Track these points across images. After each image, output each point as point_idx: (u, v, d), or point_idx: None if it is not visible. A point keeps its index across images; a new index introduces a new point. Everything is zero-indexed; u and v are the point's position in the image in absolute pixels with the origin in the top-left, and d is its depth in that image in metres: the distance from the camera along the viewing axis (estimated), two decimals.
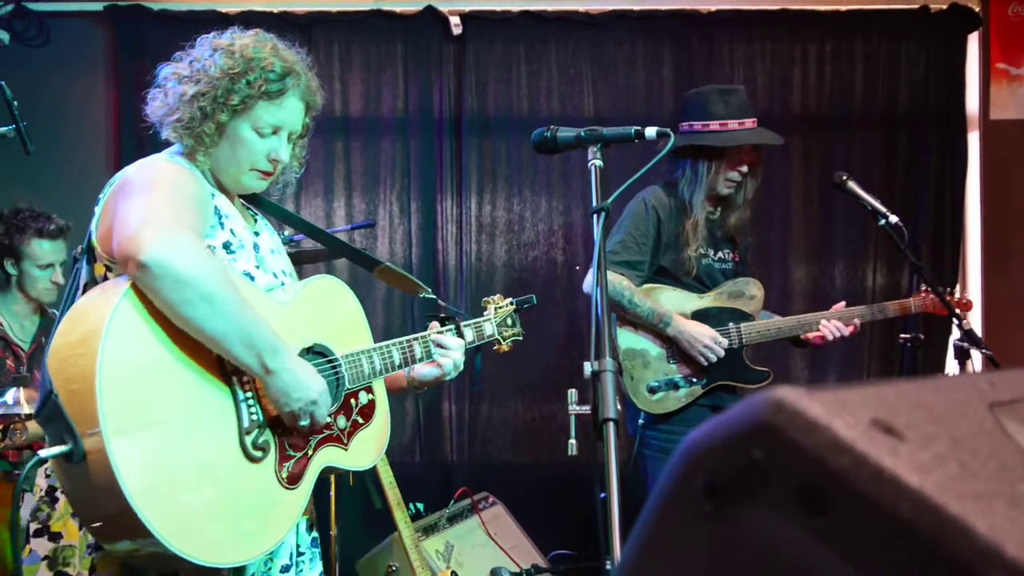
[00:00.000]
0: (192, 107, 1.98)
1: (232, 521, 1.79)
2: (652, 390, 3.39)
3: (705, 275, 3.51)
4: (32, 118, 3.13)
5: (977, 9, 4.81)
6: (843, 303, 3.67)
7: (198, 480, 1.75)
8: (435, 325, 2.38)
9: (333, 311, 2.17)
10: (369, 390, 2.17)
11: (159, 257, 1.68)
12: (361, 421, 2.12)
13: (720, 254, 3.58)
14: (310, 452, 1.97)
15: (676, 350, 3.42)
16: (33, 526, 2.90)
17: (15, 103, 3.01)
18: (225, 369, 1.84)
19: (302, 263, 3.66)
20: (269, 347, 1.80)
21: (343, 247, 2.63)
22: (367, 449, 2.13)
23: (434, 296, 2.52)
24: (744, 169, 3.46)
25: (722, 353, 3.37)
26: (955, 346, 3.36)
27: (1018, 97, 4.85)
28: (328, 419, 2.00)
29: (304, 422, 1.90)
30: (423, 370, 2.32)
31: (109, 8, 4.67)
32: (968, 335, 3.31)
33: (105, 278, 1.92)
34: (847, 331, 3.54)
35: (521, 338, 2.65)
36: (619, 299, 3.36)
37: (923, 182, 4.79)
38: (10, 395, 2.99)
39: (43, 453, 1.68)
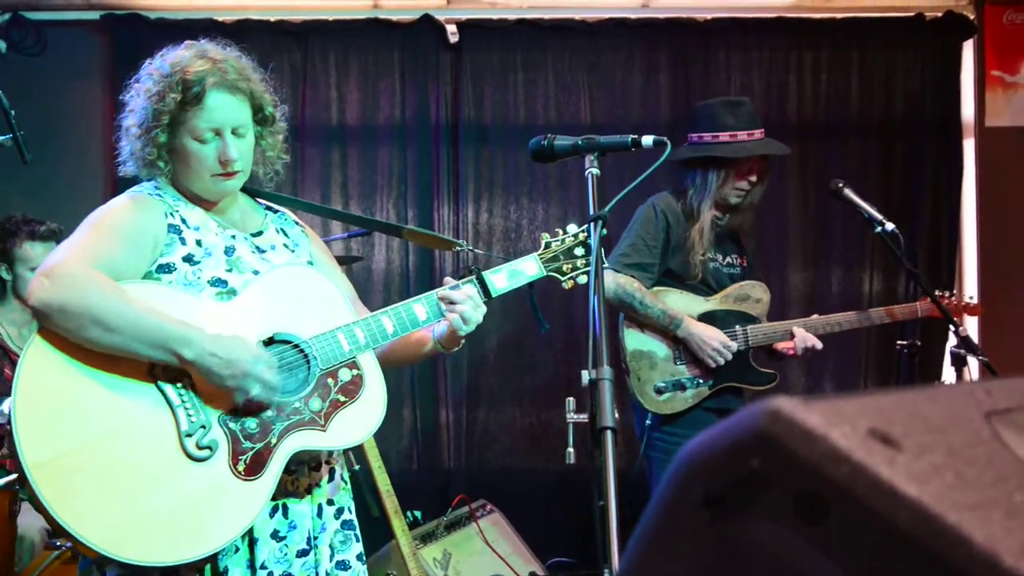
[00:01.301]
0: (133, 139, 2.09)
1: (181, 520, 1.88)
2: (659, 391, 3.44)
3: (713, 279, 3.57)
4: (29, 127, 3.12)
5: (972, 17, 4.82)
6: (816, 315, 3.69)
7: (133, 489, 1.86)
8: (449, 280, 2.27)
9: (299, 297, 2.13)
10: (353, 366, 2.12)
11: (41, 298, 1.86)
12: (343, 399, 2.08)
13: (728, 259, 3.63)
14: (273, 441, 1.98)
15: (683, 351, 3.46)
16: None
17: (12, 112, 3.01)
18: (157, 380, 1.93)
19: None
20: (179, 340, 1.89)
21: (367, 221, 2.64)
22: (352, 426, 2.09)
23: (471, 248, 2.48)
24: (753, 178, 3.52)
25: (731, 357, 3.42)
26: (952, 353, 3.36)
27: (1013, 104, 4.86)
28: (299, 403, 2.02)
29: (255, 391, 1.93)
30: (440, 329, 2.26)
31: (105, 17, 4.68)
32: (965, 342, 3.31)
33: None
34: (812, 342, 3.55)
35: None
36: (630, 300, 3.42)
37: (919, 189, 4.80)
38: (6, 404, 2.98)
39: None
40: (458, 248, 2.46)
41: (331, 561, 2.15)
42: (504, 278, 2.30)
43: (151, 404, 1.92)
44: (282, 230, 2.28)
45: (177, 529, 1.87)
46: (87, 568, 2.23)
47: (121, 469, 1.85)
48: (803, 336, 3.51)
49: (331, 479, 2.19)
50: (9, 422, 1.83)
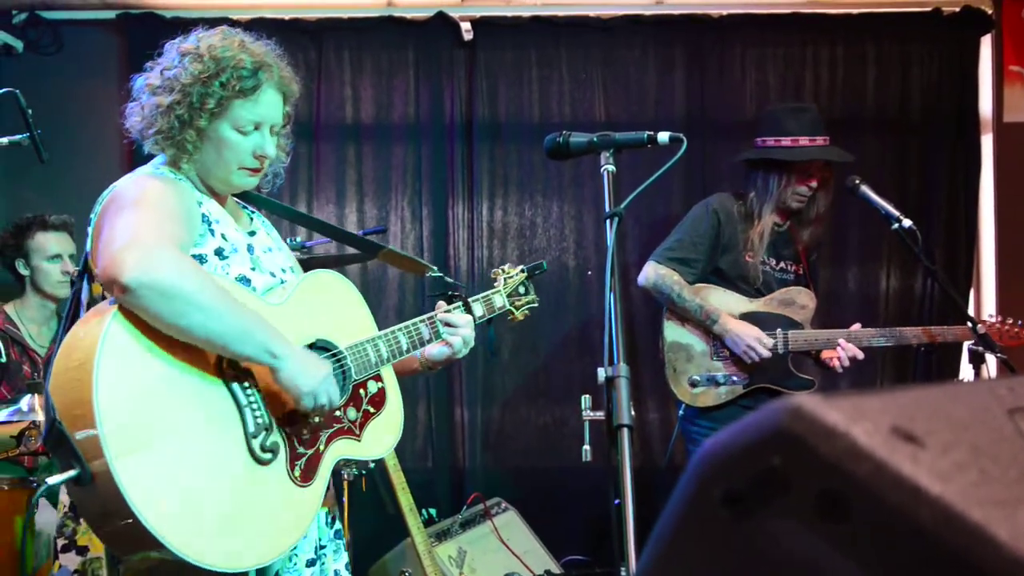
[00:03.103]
0: (169, 117, 2.00)
1: (247, 525, 1.82)
2: (693, 383, 3.50)
3: (763, 283, 3.61)
4: (45, 126, 3.14)
5: (990, 11, 4.79)
6: (858, 324, 3.69)
7: (208, 489, 1.78)
8: (442, 304, 2.36)
9: (333, 304, 2.16)
10: (378, 378, 2.17)
11: (140, 277, 1.70)
12: (372, 411, 2.13)
13: (782, 264, 3.70)
14: (321, 447, 1.99)
15: (722, 348, 3.52)
16: (60, 542, 2.92)
17: (29, 111, 3.03)
18: (225, 377, 1.86)
19: (313, 267, 3.67)
20: (271, 336, 1.84)
21: (344, 235, 2.64)
22: (380, 438, 2.14)
23: (441, 274, 2.51)
24: (814, 184, 3.59)
25: (766, 353, 3.46)
26: (970, 350, 3.34)
27: None
28: (339, 411, 2.04)
29: (322, 400, 1.92)
30: (433, 350, 2.30)
31: (122, 16, 4.69)
32: (983, 339, 3.29)
33: (103, 297, 1.93)
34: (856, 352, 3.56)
35: (536, 305, 2.60)
36: (668, 292, 3.51)
37: (936, 185, 4.77)
38: (25, 402, 3.01)
39: (51, 480, 1.73)
40: (430, 274, 2.51)
41: (331, 570, 2.15)
42: (480, 307, 2.43)
43: (221, 401, 1.85)
44: (266, 232, 2.28)
45: (248, 534, 1.82)
46: None
47: (197, 467, 1.77)
48: (848, 348, 3.53)
49: (327, 487, 2.19)
50: (53, 418, 1.72)
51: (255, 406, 1.88)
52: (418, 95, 4.75)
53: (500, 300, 2.50)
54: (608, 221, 2.02)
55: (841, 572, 0.61)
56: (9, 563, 2.96)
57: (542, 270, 2.61)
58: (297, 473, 1.92)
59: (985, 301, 4.77)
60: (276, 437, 1.90)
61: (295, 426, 1.95)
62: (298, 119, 2.35)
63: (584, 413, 2.02)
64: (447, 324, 2.29)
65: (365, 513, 3.96)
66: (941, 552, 0.57)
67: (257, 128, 2.06)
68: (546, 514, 4.41)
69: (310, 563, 2.08)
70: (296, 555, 2.04)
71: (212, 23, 4.79)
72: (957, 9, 4.77)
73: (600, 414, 1.89)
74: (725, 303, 3.56)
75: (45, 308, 3.81)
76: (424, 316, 2.29)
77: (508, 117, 4.76)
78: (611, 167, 2.09)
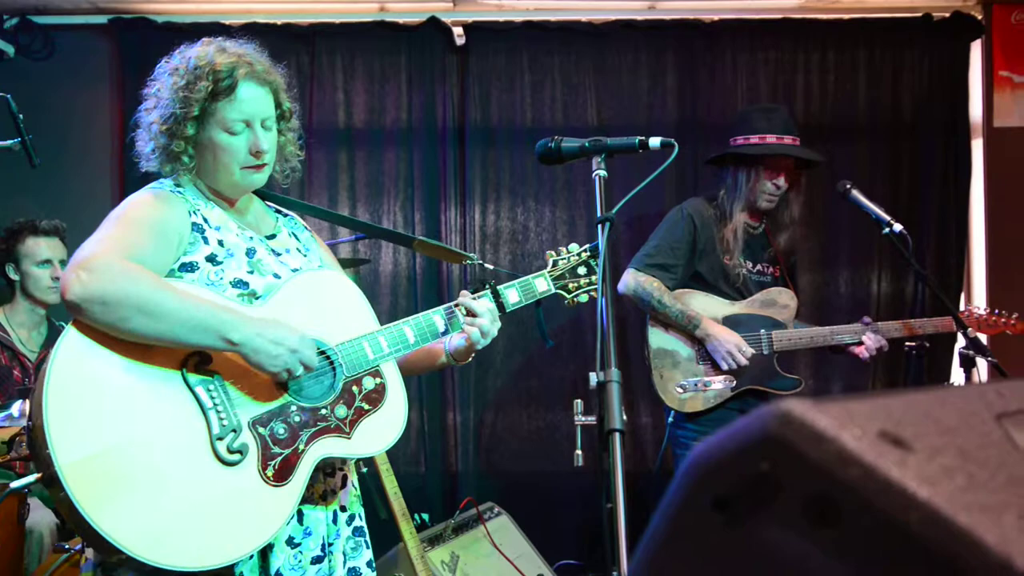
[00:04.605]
0: (159, 133, 2.07)
1: (209, 525, 1.86)
2: (682, 389, 3.51)
3: (742, 286, 3.62)
4: (37, 131, 3.14)
5: (980, 17, 4.81)
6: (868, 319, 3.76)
7: (164, 492, 1.83)
8: (465, 293, 2.30)
9: (326, 303, 2.15)
10: (376, 374, 2.14)
11: (79, 292, 1.80)
12: (367, 407, 2.10)
13: (759, 267, 3.72)
14: (301, 447, 1.98)
15: (706, 352, 3.53)
16: None
17: (20, 116, 3.02)
18: (189, 383, 1.90)
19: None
20: (225, 324, 1.87)
21: (376, 229, 2.66)
22: (376, 435, 2.11)
23: (480, 261, 2.50)
24: (781, 181, 3.61)
25: (744, 361, 3.47)
26: (960, 354, 3.35)
27: (1021, 105, 4.84)
28: (325, 410, 2.03)
29: (299, 371, 1.95)
30: (454, 341, 2.28)
31: (113, 21, 4.69)
32: (973, 343, 3.30)
33: None
34: (882, 343, 3.64)
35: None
36: (648, 299, 3.52)
37: (927, 190, 4.79)
38: (16, 407, 3.00)
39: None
40: (468, 262, 2.48)
41: (343, 568, 2.15)
42: (516, 293, 2.34)
43: (183, 405, 1.89)
44: (293, 234, 2.30)
45: (209, 534, 1.85)
46: (91, 571, 2.24)
47: (153, 471, 1.83)
48: (872, 340, 3.58)
49: (344, 485, 2.19)
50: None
51: (220, 409, 1.91)
52: (410, 100, 4.75)
53: (544, 284, 2.37)
54: (600, 226, 2.02)
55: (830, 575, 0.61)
56: (2, 567, 2.95)
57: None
58: (270, 473, 1.93)
59: (975, 303, 4.78)
60: (245, 438, 1.92)
61: (270, 426, 1.96)
62: None
63: (576, 418, 2.02)
64: (469, 314, 2.24)
65: None
66: (929, 556, 0.58)
67: (248, 125, 2.08)
68: (539, 518, 4.41)
69: (316, 560, 2.09)
70: (301, 552, 2.06)
71: (204, 27, 4.82)
72: (947, 15, 4.79)
73: (592, 419, 1.89)
74: (706, 307, 3.58)
75: (35, 313, 3.80)
76: (442, 306, 2.26)
77: (500, 122, 4.76)
78: (603, 172, 2.09)
